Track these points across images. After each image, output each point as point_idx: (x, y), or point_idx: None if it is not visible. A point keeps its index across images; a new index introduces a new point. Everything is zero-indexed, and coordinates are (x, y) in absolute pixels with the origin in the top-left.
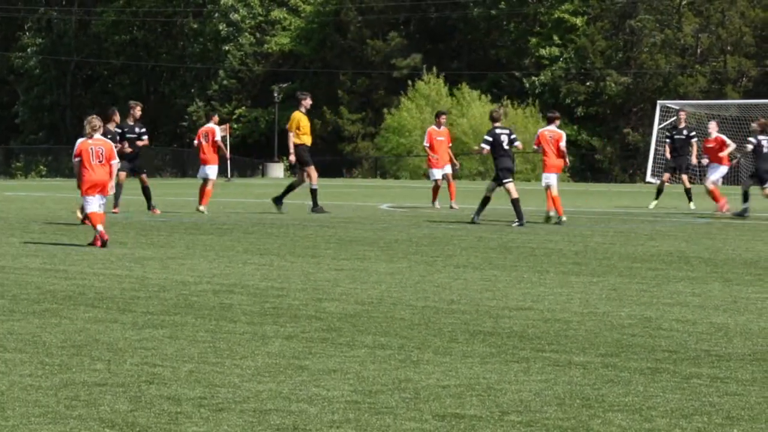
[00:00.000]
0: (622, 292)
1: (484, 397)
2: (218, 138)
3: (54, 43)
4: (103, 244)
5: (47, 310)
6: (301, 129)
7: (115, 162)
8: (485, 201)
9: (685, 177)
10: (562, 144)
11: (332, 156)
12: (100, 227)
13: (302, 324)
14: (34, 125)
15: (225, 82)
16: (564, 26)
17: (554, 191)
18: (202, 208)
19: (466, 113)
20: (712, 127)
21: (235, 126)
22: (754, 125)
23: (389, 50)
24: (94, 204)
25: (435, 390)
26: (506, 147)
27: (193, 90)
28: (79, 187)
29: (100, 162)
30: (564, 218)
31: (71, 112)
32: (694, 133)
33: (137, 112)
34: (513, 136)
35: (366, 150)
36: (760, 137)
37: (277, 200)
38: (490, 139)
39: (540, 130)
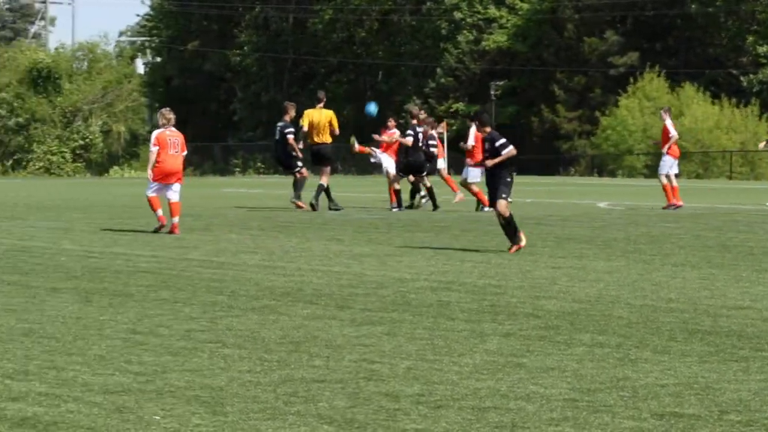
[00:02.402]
0: None
1: (703, 396)
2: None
3: (271, 41)
4: (156, 231)
5: (266, 307)
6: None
7: (185, 152)
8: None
9: None
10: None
11: (549, 154)
12: (160, 212)
13: (520, 322)
14: (252, 122)
15: (442, 79)
16: None
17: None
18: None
19: (686, 112)
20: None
21: (452, 122)
22: None
23: (606, 48)
24: (157, 190)
25: (653, 388)
26: (419, 144)
27: (410, 87)
28: (152, 173)
29: (176, 152)
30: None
31: None
32: None
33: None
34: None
35: (583, 148)
36: None
37: (331, 205)
38: (413, 132)
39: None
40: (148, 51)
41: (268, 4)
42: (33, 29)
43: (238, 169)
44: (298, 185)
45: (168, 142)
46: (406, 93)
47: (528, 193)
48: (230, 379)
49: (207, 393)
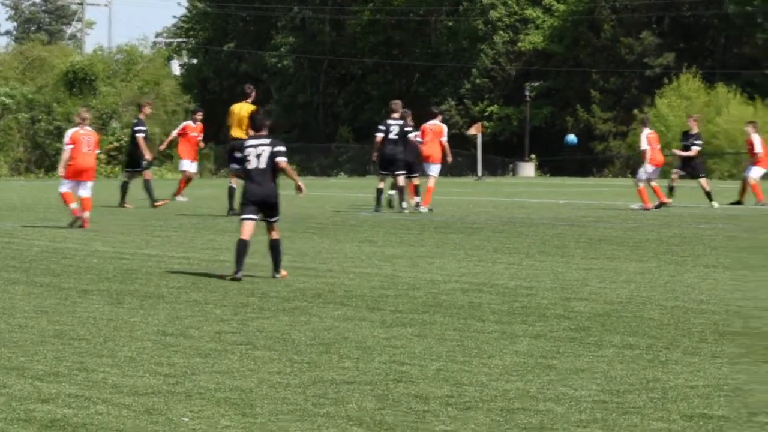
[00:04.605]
0: None
1: (732, 397)
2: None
3: (307, 42)
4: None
5: (297, 308)
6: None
7: (98, 150)
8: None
9: (703, 180)
10: (443, 138)
11: (583, 155)
12: (74, 205)
13: (550, 323)
14: (287, 124)
15: (477, 80)
16: None
17: (431, 182)
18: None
19: (722, 112)
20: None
21: (487, 124)
22: None
23: (642, 49)
24: (70, 187)
25: (683, 390)
26: (393, 137)
27: (446, 89)
28: (64, 170)
29: (89, 150)
30: (426, 209)
31: (323, 111)
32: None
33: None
34: (407, 129)
35: (617, 149)
36: None
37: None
38: (383, 128)
39: (423, 125)
40: (184, 52)
41: (305, 6)
42: (69, 31)
43: None
44: (148, 186)
45: (82, 140)
46: (441, 94)
47: (561, 194)
48: (260, 381)
49: (236, 395)
